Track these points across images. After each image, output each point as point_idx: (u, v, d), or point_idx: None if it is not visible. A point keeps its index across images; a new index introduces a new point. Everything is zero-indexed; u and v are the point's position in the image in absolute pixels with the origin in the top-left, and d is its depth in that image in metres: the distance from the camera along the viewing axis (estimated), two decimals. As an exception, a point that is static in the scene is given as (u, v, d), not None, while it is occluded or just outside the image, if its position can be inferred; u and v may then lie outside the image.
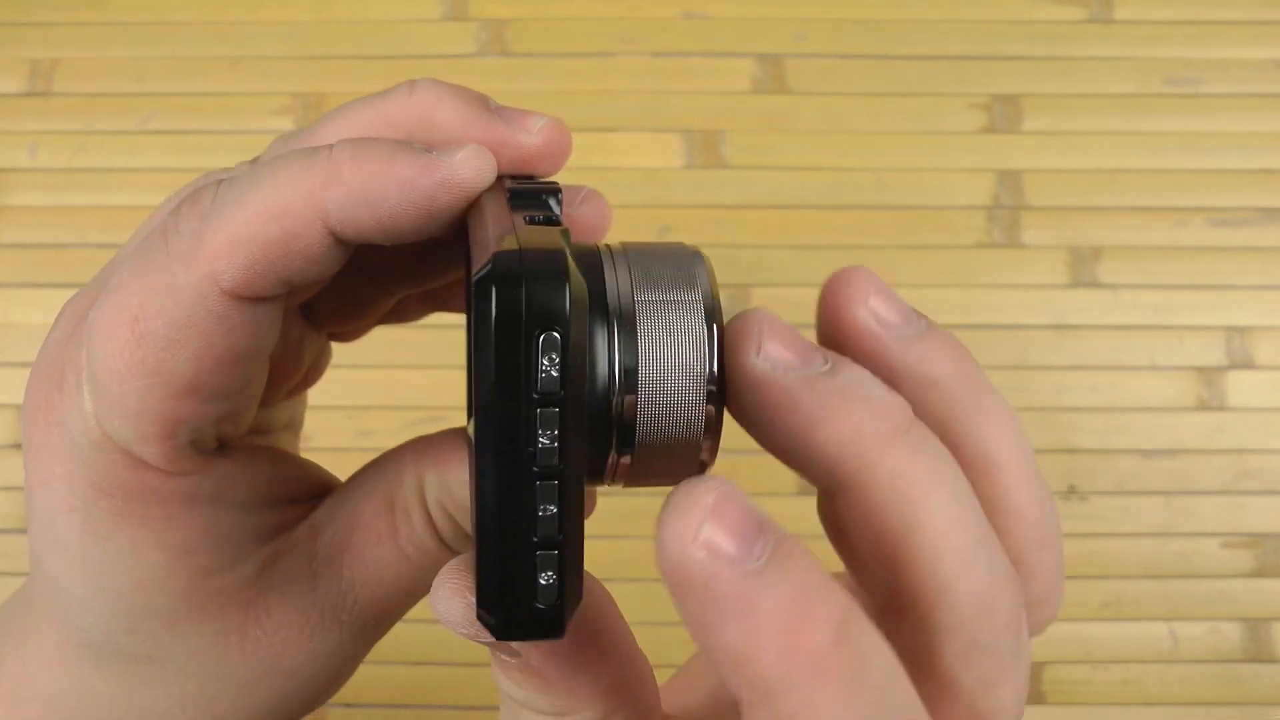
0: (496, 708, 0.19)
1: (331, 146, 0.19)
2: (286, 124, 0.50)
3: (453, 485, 0.21)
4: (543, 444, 0.15)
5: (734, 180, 0.50)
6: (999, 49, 0.52)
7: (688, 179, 0.50)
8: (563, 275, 0.15)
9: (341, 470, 0.23)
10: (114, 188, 0.50)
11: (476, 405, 0.15)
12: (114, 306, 0.18)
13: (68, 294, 0.21)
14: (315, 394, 0.25)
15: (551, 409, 0.15)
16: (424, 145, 0.19)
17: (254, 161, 0.21)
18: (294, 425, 0.25)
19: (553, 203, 0.18)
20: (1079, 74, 0.51)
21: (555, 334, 0.14)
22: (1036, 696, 0.47)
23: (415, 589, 0.21)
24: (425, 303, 0.25)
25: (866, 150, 0.51)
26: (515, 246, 0.15)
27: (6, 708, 0.22)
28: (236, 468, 0.20)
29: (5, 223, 0.50)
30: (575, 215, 0.21)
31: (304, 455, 0.24)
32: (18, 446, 0.47)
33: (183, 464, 0.19)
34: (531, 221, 0.17)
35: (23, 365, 0.47)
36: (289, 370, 0.23)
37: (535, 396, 0.15)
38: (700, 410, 0.17)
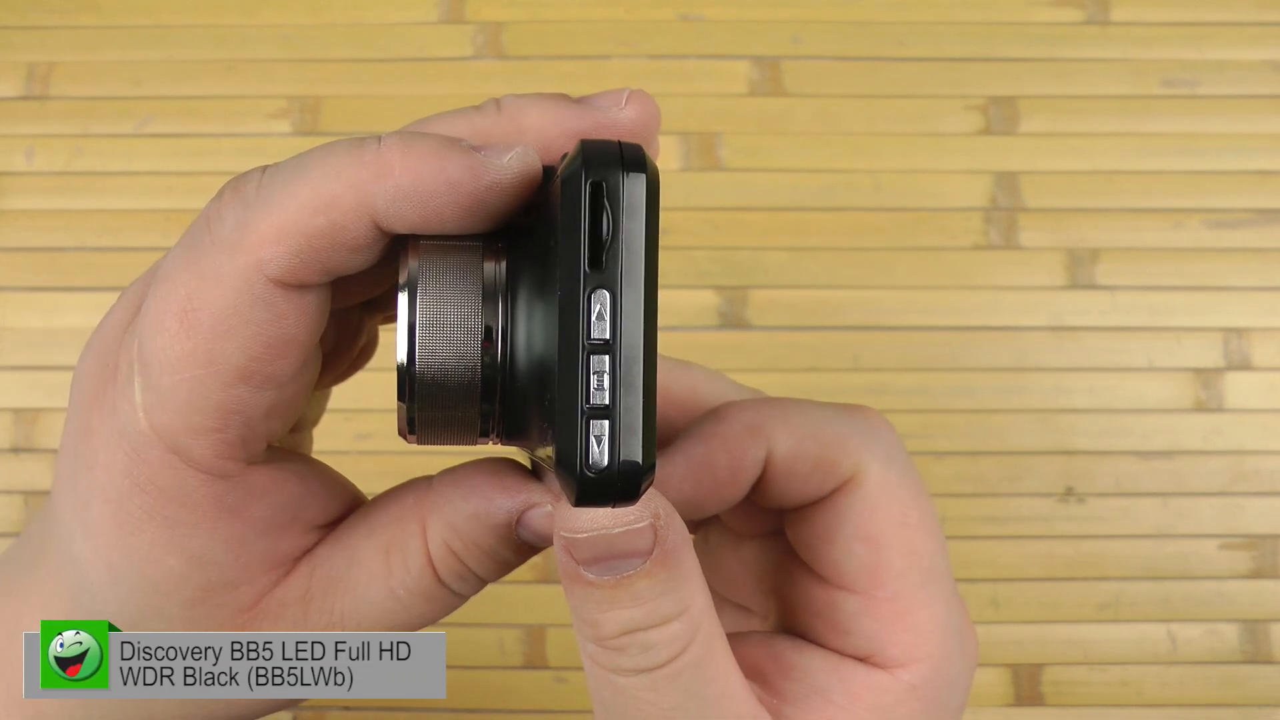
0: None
1: (380, 138, 0.19)
2: (284, 127, 0.50)
3: (460, 525, 0.21)
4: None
5: (730, 182, 0.51)
6: (996, 51, 0.52)
7: (684, 181, 0.50)
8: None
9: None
10: (111, 191, 0.50)
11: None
12: (162, 297, 0.19)
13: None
14: (312, 397, 0.25)
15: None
16: (472, 144, 0.19)
17: None
18: (317, 420, 0.26)
19: None
20: (1076, 76, 0.51)
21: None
22: (1035, 698, 0.47)
23: (401, 625, 0.22)
24: None
25: (863, 152, 0.51)
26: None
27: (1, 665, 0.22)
28: (265, 480, 0.21)
29: (2, 226, 0.50)
30: (620, 119, 0.20)
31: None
32: (16, 451, 0.47)
33: (228, 465, 0.20)
34: None
35: (21, 369, 0.47)
36: (343, 354, 0.24)
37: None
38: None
